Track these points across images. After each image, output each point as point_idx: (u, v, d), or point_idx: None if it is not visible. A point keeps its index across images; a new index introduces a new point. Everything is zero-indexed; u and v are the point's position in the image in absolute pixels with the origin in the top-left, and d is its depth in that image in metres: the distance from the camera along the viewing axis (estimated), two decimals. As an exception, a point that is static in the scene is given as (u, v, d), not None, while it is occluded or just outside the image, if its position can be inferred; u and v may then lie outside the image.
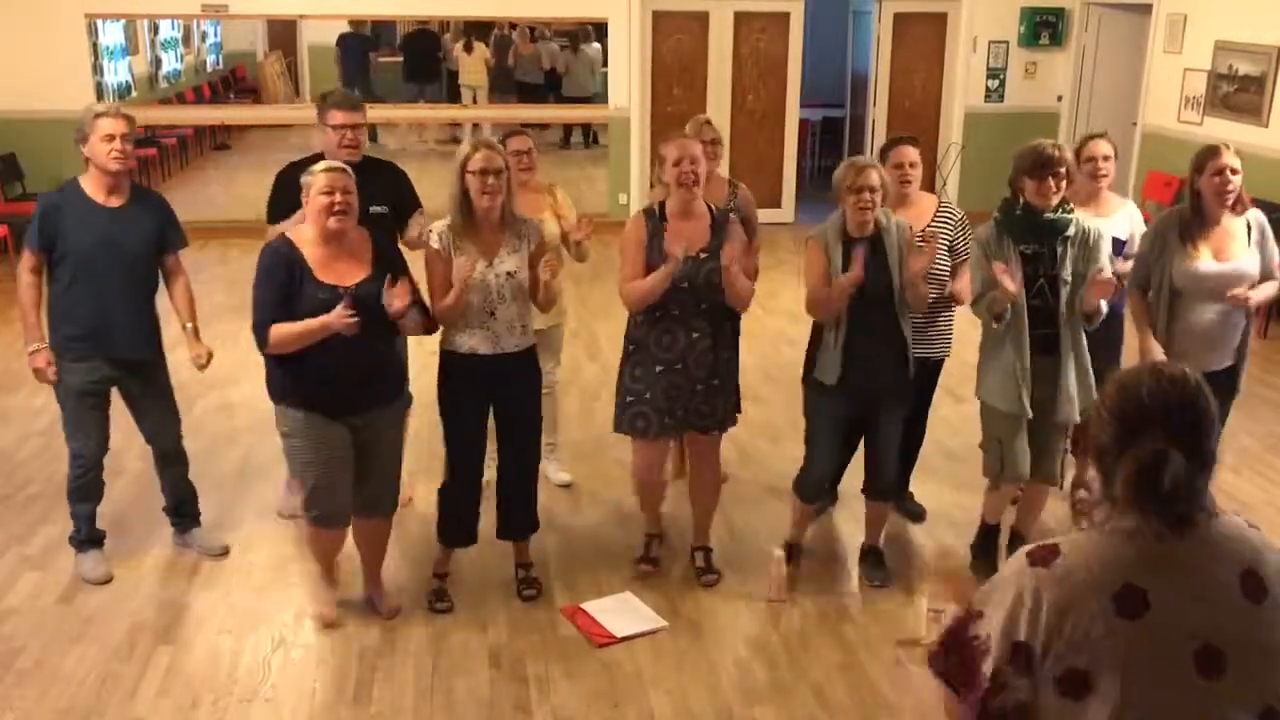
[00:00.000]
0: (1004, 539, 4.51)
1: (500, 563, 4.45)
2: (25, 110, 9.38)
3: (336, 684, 3.78)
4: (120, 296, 4.18)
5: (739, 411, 4.33)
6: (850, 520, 4.87)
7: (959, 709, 1.77)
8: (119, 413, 4.44)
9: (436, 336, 4.07)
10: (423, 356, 4.79)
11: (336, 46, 13.88)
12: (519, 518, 4.29)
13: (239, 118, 13.12)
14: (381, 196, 4.34)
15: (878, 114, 11.05)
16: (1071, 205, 4.09)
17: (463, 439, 4.09)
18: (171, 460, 4.55)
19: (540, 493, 4.41)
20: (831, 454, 4.34)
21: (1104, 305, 4.02)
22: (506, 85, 13.77)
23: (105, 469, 4.45)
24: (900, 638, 4.07)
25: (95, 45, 10.05)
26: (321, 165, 3.76)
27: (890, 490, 4.46)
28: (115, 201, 4.18)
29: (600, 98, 11.68)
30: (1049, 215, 3.99)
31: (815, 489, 4.41)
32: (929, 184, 10.86)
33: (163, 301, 4.39)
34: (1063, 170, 3.95)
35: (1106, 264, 4.10)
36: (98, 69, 10.15)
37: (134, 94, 11.43)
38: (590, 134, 13.88)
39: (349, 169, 3.77)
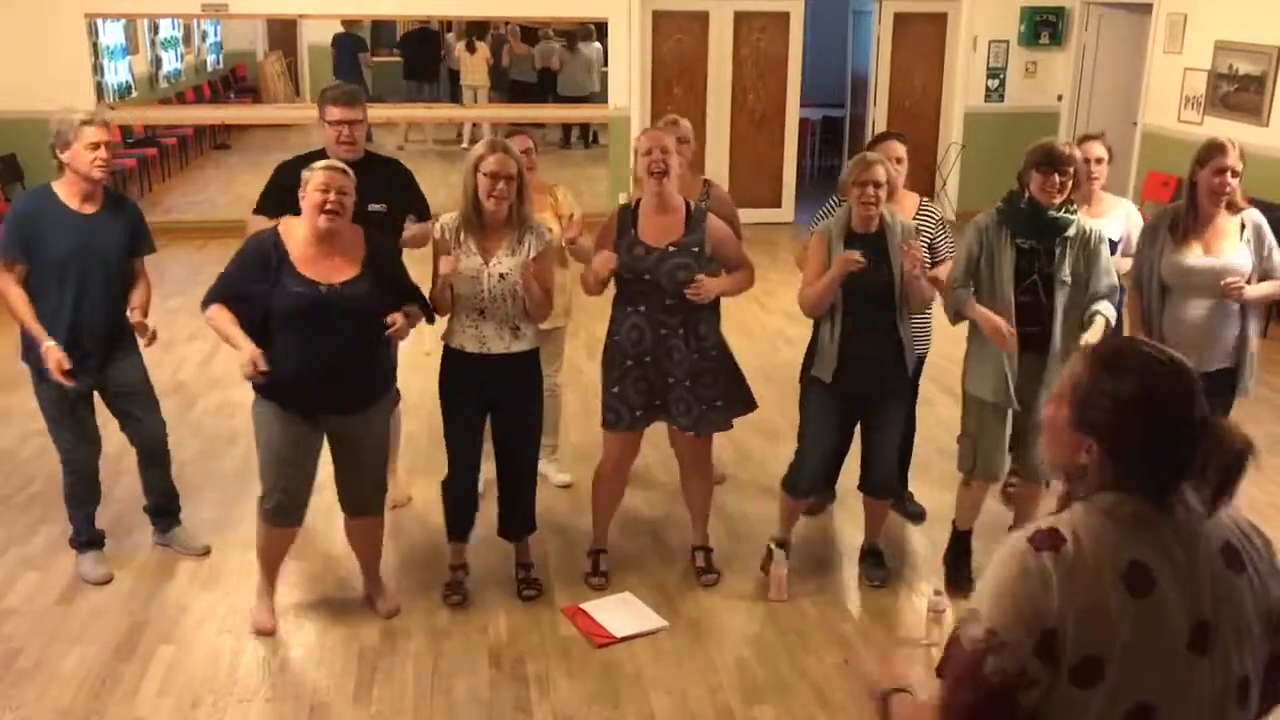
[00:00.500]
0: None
1: (500, 563, 4.45)
2: (25, 110, 9.36)
3: (336, 684, 3.78)
4: (98, 302, 4.15)
5: (740, 411, 4.29)
6: (849, 520, 4.87)
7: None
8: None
9: (439, 331, 4.08)
10: (416, 356, 4.78)
11: (332, 47, 13.89)
12: (514, 518, 4.29)
13: (239, 118, 13.13)
14: (381, 194, 4.32)
15: (878, 114, 11.04)
16: (1075, 207, 4.10)
17: (455, 434, 4.11)
18: (155, 460, 4.54)
19: (540, 493, 4.41)
20: (824, 451, 4.33)
21: (1108, 309, 4.01)
22: (500, 84, 13.78)
23: (103, 471, 4.45)
24: (901, 638, 4.07)
25: (95, 45, 10.06)
26: (323, 163, 3.75)
27: (890, 487, 4.45)
28: (90, 208, 4.13)
29: (598, 97, 11.68)
30: (1052, 213, 3.99)
31: (805, 486, 4.38)
32: (929, 184, 10.91)
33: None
34: (1070, 170, 3.96)
35: (1109, 269, 4.08)
36: (98, 69, 10.16)
37: (134, 94, 11.44)
38: (590, 134, 13.89)
39: (349, 169, 3.75)
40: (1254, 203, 8.83)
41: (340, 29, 13.81)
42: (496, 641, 4.03)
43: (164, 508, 4.64)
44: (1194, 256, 4.13)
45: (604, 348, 4.22)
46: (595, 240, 4.19)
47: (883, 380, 4.15)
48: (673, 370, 4.10)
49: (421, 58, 13.79)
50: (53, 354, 4.04)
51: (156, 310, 4.43)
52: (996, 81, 10.80)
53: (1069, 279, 4.00)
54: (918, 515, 4.96)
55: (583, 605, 4.22)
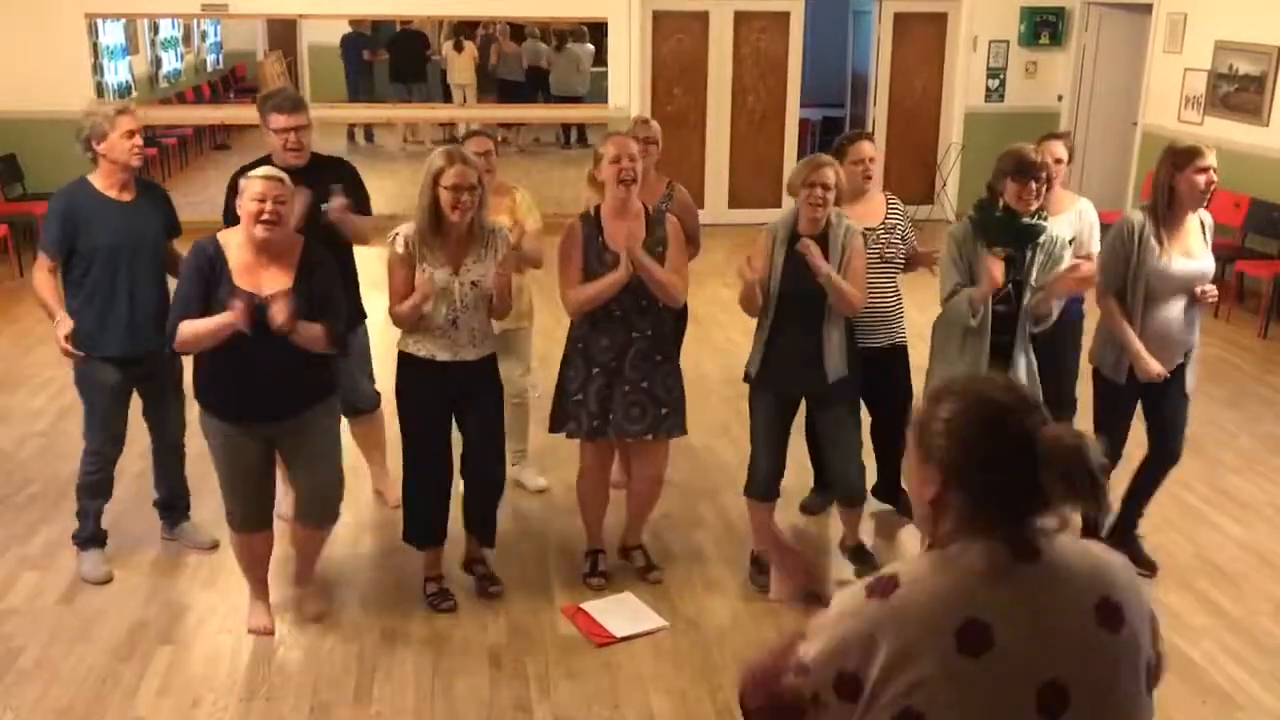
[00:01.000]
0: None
1: (500, 563, 4.45)
2: (25, 110, 9.38)
3: (336, 684, 3.78)
4: (145, 288, 4.23)
5: (680, 424, 4.27)
6: (838, 519, 4.86)
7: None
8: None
9: (394, 337, 4.06)
10: (386, 355, 4.77)
11: (340, 47, 13.90)
12: (480, 519, 4.28)
13: (239, 118, 13.09)
14: (330, 195, 4.33)
15: (878, 114, 11.04)
16: (1046, 213, 4.13)
17: (423, 441, 4.07)
18: (172, 450, 4.58)
19: (520, 499, 4.39)
20: (769, 449, 4.29)
21: (1055, 309, 4.03)
22: (488, 84, 13.77)
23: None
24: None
25: (95, 45, 10.05)
26: (261, 171, 3.70)
27: (855, 492, 4.36)
28: (127, 196, 4.22)
29: (588, 97, 11.66)
30: (1027, 220, 4.01)
31: (762, 485, 4.35)
32: (929, 184, 10.92)
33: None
34: (1044, 175, 4.03)
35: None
36: (98, 69, 10.15)
37: (134, 94, 11.43)
38: (580, 133, 13.86)
39: (286, 178, 3.71)
40: (1254, 203, 8.86)
41: (348, 30, 13.82)
42: (496, 641, 4.03)
43: (174, 501, 4.66)
44: (1177, 260, 4.15)
45: (567, 354, 4.20)
46: (562, 256, 4.13)
47: (803, 381, 4.15)
48: (635, 375, 4.10)
49: (408, 59, 13.77)
50: (63, 324, 4.11)
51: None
52: (996, 81, 10.80)
53: (1035, 285, 4.05)
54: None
55: (583, 605, 4.22)
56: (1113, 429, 4.33)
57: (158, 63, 13.42)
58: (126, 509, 4.87)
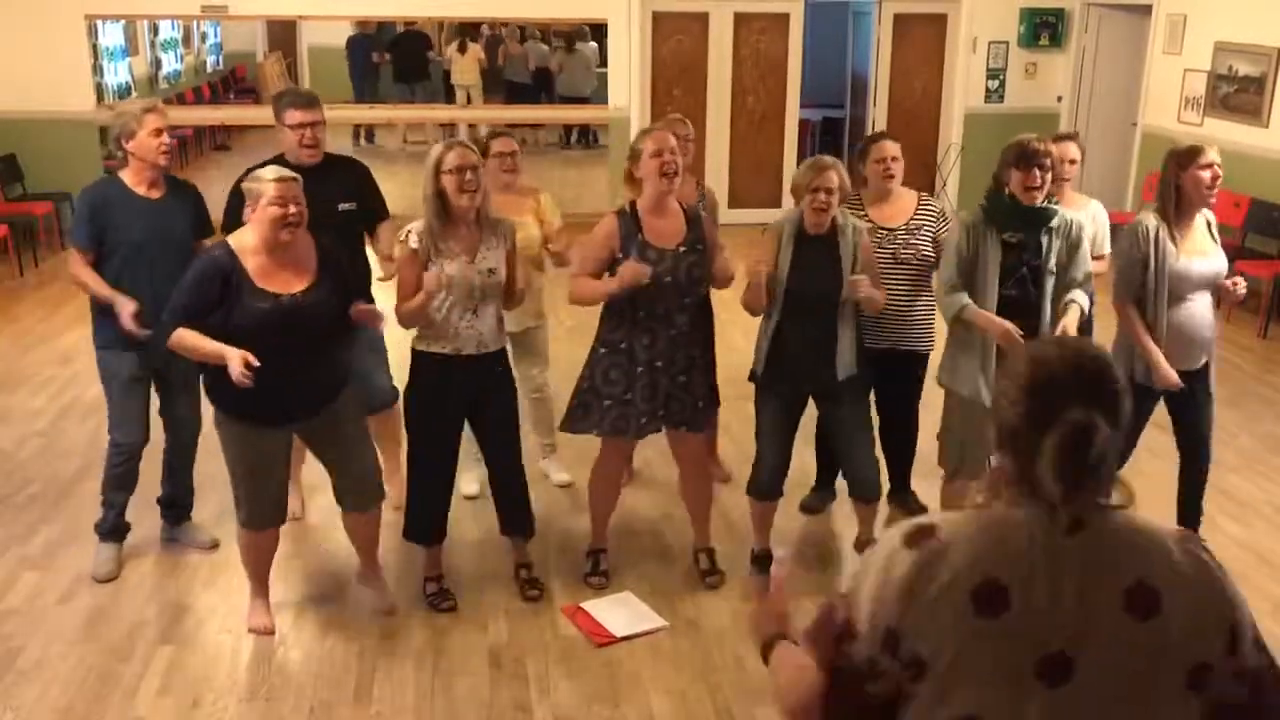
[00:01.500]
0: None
1: (500, 563, 4.45)
2: (25, 110, 9.39)
3: (336, 684, 3.78)
4: (169, 285, 4.19)
5: (716, 406, 4.36)
6: (849, 520, 4.85)
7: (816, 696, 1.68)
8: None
9: (409, 337, 4.06)
10: (404, 351, 4.78)
11: (346, 49, 13.91)
12: (521, 515, 4.29)
13: (239, 118, 13.11)
14: (350, 193, 4.36)
15: (878, 114, 11.05)
16: (1056, 199, 4.13)
17: (435, 440, 4.07)
18: (184, 450, 4.59)
19: (540, 493, 4.41)
20: (775, 449, 4.29)
21: (1081, 298, 4.04)
22: (496, 85, 13.78)
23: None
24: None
25: (95, 46, 10.06)
26: (270, 173, 3.67)
27: (871, 489, 4.36)
28: (156, 194, 4.25)
29: (596, 98, 11.68)
30: (1035, 205, 4.01)
31: (764, 486, 4.34)
32: (929, 184, 10.91)
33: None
34: (1047, 163, 3.99)
35: (1087, 260, 4.13)
36: (98, 69, 10.15)
37: (134, 94, 11.43)
38: (589, 135, 13.88)
39: (297, 176, 3.71)
40: (1254, 203, 8.86)
41: (352, 31, 13.83)
42: (496, 641, 4.03)
43: (179, 500, 4.67)
44: (1196, 261, 4.15)
45: (602, 354, 4.15)
46: (587, 243, 4.13)
47: (812, 378, 4.15)
48: (680, 371, 4.11)
49: (411, 60, 13.78)
50: (126, 306, 4.10)
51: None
52: (996, 82, 10.80)
53: (1055, 269, 4.03)
54: (921, 512, 4.94)
55: (583, 605, 4.22)
56: (1128, 433, 4.31)
57: (157, 64, 13.42)
58: (127, 509, 4.87)
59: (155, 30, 13.08)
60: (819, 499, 5.01)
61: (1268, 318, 7.71)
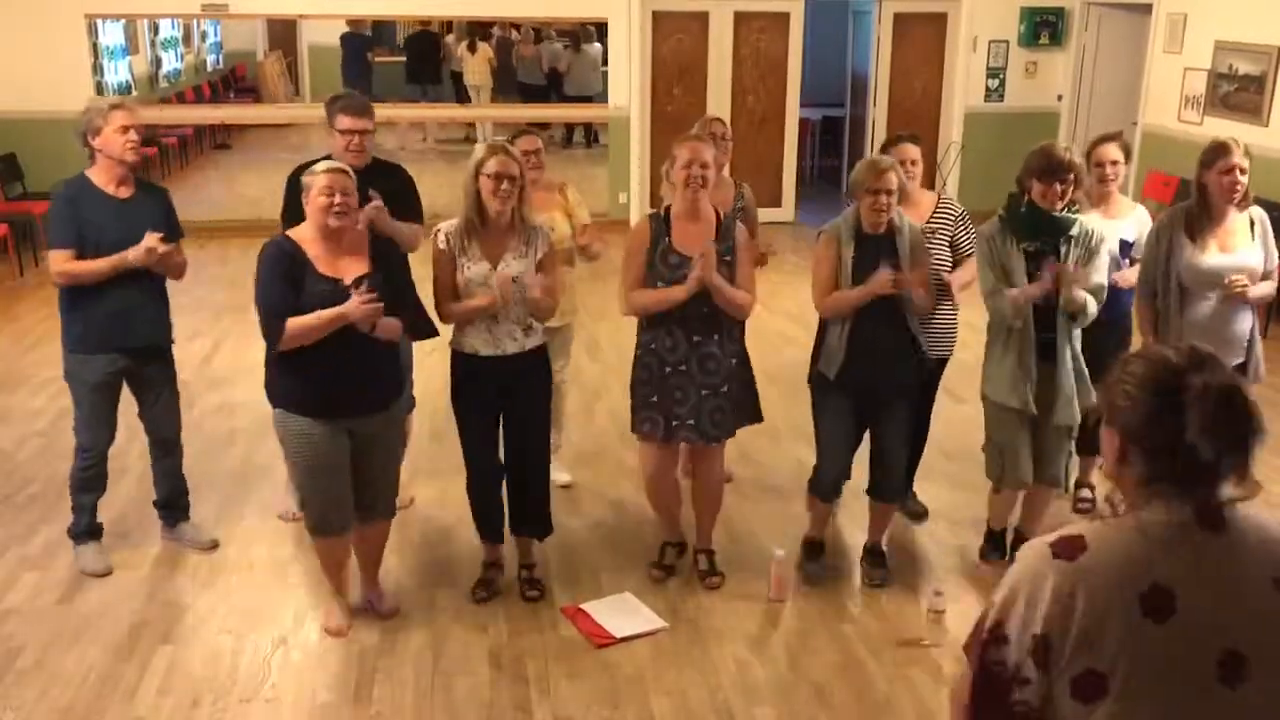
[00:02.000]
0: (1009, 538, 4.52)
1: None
2: (25, 110, 9.38)
3: (336, 684, 3.78)
4: (138, 286, 4.23)
5: (757, 419, 4.34)
6: (849, 520, 4.87)
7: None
8: (121, 410, 4.45)
9: (434, 341, 4.07)
10: (419, 357, 4.79)
11: (341, 46, 13.92)
12: (533, 517, 4.29)
13: (239, 117, 13.12)
14: (384, 198, 4.34)
15: (878, 114, 11.04)
16: (1078, 205, 4.11)
17: (472, 436, 4.12)
18: (168, 449, 4.58)
19: (563, 489, 4.40)
20: (842, 450, 4.32)
21: (1091, 305, 4.03)
22: (509, 86, 13.79)
23: (109, 465, 4.47)
24: (901, 639, 4.07)
25: (95, 45, 10.05)
26: (323, 165, 3.77)
27: (899, 490, 4.46)
28: (125, 193, 4.23)
29: (602, 97, 11.67)
30: (1054, 214, 4.00)
31: (831, 487, 4.39)
32: (929, 184, 10.90)
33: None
34: (1071, 177, 3.98)
35: (1103, 269, 4.11)
36: (98, 69, 10.15)
37: (134, 94, 11.43)
38: (591, 133, 13.89)
39: (349, 170, 3.79)
40: (1255, 202, 8.84)
41: (346, 29, 13.83)
42: (496, 641, 4.03)
43: (174, 501, 4.67)
44: (1212, 256, 4.15)
45: (638, 355, 4.20)
46: (627, 255, 4.15)
47: (890, 378, 4.16)
48: (707, 379, 4.11)
49: (423, 60, 13.81)
50: (149, 239, 4.08)
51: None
52: (996, 81, 10.80)
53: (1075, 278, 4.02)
54: (920, 514, 4.96)
55: (583, 605, 4.22)
56: None
57: (158, 63, 13.42)
58: (127, 509, 4.88)
59: (155, 29, 13.08)
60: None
61: (1268, 318, 7.69)
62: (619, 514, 4.57)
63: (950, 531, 4.83)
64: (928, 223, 4.52)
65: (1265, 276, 4.24)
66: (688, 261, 4.01)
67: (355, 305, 3.59)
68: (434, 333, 4.34)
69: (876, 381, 4.16)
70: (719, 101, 10.66)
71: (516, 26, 13.91)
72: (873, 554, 4.48)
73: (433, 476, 5.17)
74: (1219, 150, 4.11)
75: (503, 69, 13.85)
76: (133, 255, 4.11)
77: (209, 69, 15.43)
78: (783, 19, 10.61)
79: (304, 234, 3.75)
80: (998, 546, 4.50)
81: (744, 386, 4.25)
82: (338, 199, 3.66)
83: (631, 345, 4.28)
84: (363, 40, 14.12)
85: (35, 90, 9.36)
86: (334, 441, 3.79)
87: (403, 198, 4.51)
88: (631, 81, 10.39)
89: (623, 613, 4.19)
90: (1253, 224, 4.24)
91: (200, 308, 7.45)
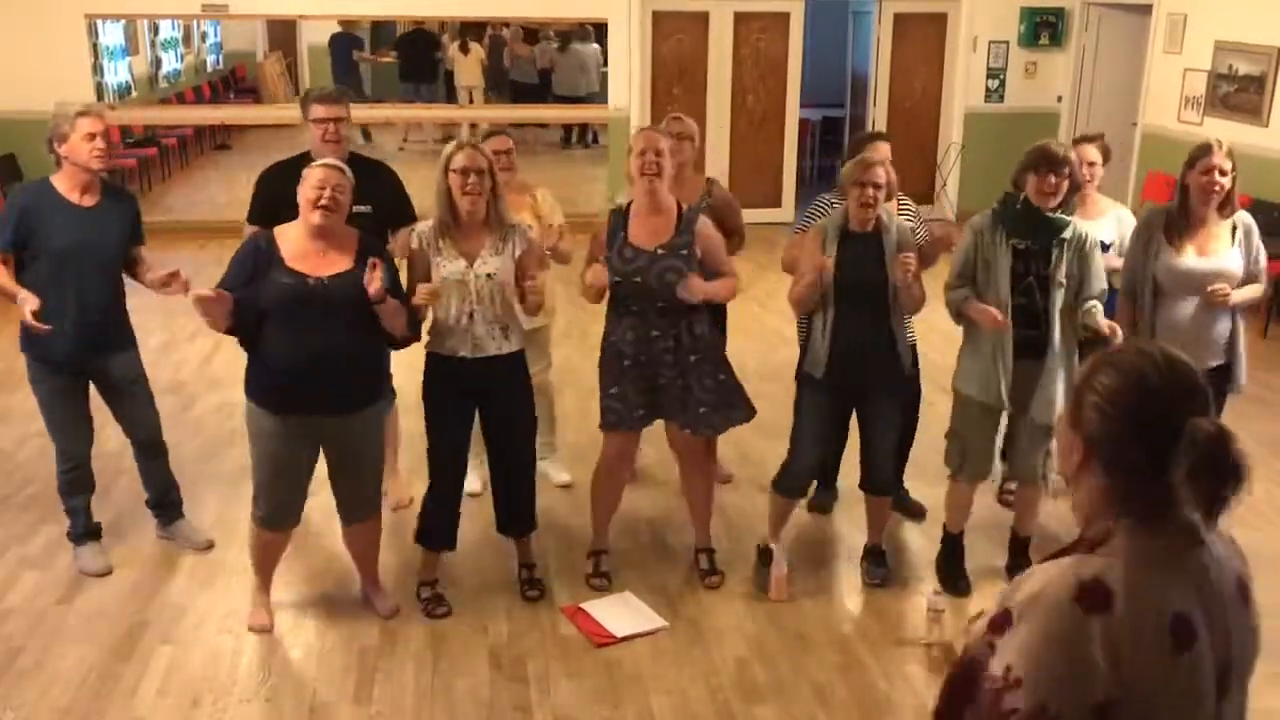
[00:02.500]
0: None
1: (500, 563, 4.45)
2: (25, 110, 9.37)
3: (336, 684, 3.78)
4: (98, 294, 4.19)
5: (738, 420, 4.29)
6: (849, 520, 4.87)
7: None
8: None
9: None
10: (408, 353, 4.78)
11: (329, 47, 13.90)
12: (515, 516, 4.28)
13: (239, 118, 13.12)
14: (366, 197, 4.33)
15: (878, 114, 11.04)
16: (1074, 209, 4.12)
17: (442, 442, 4.08)
18: (152, 451, 4.57)
19: (540, 493, 4.41)
20: (814, 448, 4.31)
21: (1099, 308, 4.02)
22: (502, 86, 13.78)
23: (103, 470, 4.48)
24: (901, 638, 4.07)
25: (95, 45, 10.06)
26: (321, 161, 3.76)
27: (888, 483, 4.44)
28: (89, 201, 4.17)
29: (593, 97, 11.68)
30: (1047, 214, 4.00)
31: (795, 484, 4.38)
32: (929, 184, 10.91)
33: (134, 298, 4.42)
34: (1065, 171, 3.97)
35: (1101, 273, 4.09)
36: (98, 69, 10.16)
37: (134, 94, 11.44)
38: (590, 134, 13.88)
39: (346, 169, 3.77)
40: (1254, 203, 8.85)
41: (337, 30, 13.82)
42: (496, 641, 4.03)
43: (165, 499, 4.66)
44: (1188, 258, 4.15)
45: (601, 350, 4.22)
46: (591, 244, 4.18)
47: (875, 374, 4.15)
48: (664, 372, 4.12)
49: (418, 59, 13.79)
50: (28, 300, 3.99)
51: (158, 310, 4.45)
52: (996, 82, 10.80)
53: (1064, 280, 4.01)
54: (918, 513, 4.96)
55: (583, 605, 4.22)
56: None
57: (158, 63, 13.43)
58: (125, 509, 4.88)
59: (155, 30, 13.09)
60: (827, 497, 5.02)
61: (1268, 318, 7.70)
62: (619, 513, 4.56)
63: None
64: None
65: (1250, 280, 4.24)
66: (639, 255, 4.02)
67: (26, 303, 3.59)
68: (418, 334, 4.28)
69: (861, 379, 4.16)
70: (719, 102, 10.66)
71: (508, 26, 13.90)
72: (873, 553, 4.48)
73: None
74: (1200, 150, 4.11)
75: (495, 69, 13.83)
76: (25, 313, 3.96)
77: (209, 69, 15.43)
78: (783, 19, 10.61)
79: (288, 231, 3.75)
80: (953, 565, 4.40)
81: (713, 381, 4.18)
82: (326, 193, 3.64)
83: None
84: (351, 40, 14.11)
85: (35, 90, 9.34)
86: (296, 441, 3.79)
87: (392, 195, 4.50)
88: (631, 82, 10.39)
89: (623, 612, 4.19)
90: (1235, 230, 4.22)
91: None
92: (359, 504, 4.03)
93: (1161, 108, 9.47)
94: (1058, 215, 4.02)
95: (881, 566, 4.44)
